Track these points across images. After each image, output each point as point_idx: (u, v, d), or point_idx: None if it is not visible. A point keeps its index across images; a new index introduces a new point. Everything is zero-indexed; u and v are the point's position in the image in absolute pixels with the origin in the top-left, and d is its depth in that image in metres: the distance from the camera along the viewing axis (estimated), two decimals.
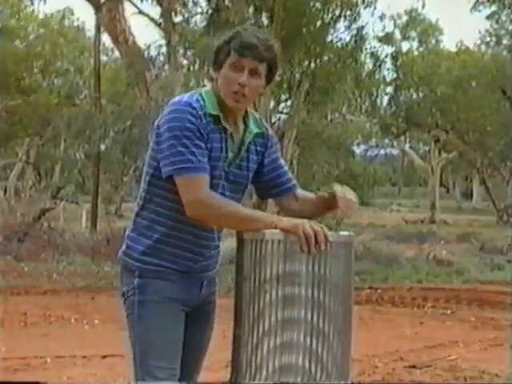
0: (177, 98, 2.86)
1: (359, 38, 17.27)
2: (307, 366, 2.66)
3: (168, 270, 2.87)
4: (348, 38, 17.48)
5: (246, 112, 2.92)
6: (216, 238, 2.96)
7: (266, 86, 2.88)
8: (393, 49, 29.33)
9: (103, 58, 25.09)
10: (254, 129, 2.93)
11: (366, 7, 17.54)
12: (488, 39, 29.18)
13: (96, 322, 8.73)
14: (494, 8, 23.48)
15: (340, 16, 17.11)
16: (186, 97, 2.85)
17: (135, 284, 2.87)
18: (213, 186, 2.81)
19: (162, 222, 2.86)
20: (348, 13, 17.09)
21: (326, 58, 17.30)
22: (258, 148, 2.96)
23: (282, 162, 3.03)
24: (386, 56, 23.99)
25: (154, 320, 2.85)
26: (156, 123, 2.85)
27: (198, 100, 2.82)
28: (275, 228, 2.69)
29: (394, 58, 28.32)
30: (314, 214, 2.96)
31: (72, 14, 29.75)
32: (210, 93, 2.86)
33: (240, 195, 2.94)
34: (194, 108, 2.79)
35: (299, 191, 3.03)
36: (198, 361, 3.05)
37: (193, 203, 2.75)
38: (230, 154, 2.85)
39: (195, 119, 2.78)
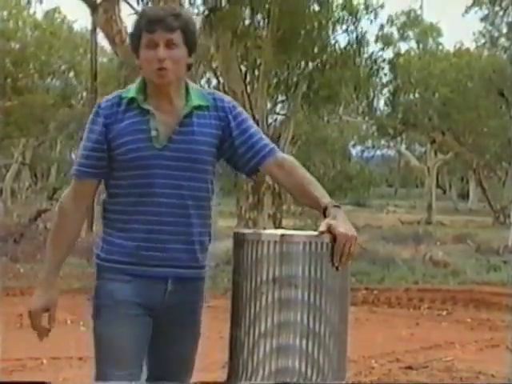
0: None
1: (358, 41, 17.28)
2: (303, 369, 2.65)
3: (120, 266, 2.80)
4: (347, 41, 17.51)
5: (187, 89, 2.84)
6: (184, 224, 2.81)
7: (189, 53, 2.80)
8: (391, 50, 29.36)
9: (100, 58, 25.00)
10: (194, 102, 2.82)
11: (369, 13, 17.59)
12: (483, 41, 29.20)
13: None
14: (488, 10, 23.48)
15: (339, 19, 17.13)
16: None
17: (94, 286, 2.87)
18: (146, 168, 2.77)
19: (111, 209, 2.91)
20: (347, 16, 17.12)
21: (323, 60, 17.30)
22: (209, 121, 2.83)
23: (254, 130, 2.86)
24: (384, 60, 23.92)
25: (105, 326, 2.81)
26: None
27: (118, 93, 2.85)
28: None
29: (392, 60, 28.31)
30: (303, 201, 2.85)
31: (59, 12, 29.67)
32: (140, 79, 2.85)
33: (194, 173, 2.80)
34: (100, 106, 2.82)
35: (285, 159, 2.85)
36: (181, 373, 2.92)
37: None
38: (154, 133, 2.77)
39: (97, 118, 2.81)
